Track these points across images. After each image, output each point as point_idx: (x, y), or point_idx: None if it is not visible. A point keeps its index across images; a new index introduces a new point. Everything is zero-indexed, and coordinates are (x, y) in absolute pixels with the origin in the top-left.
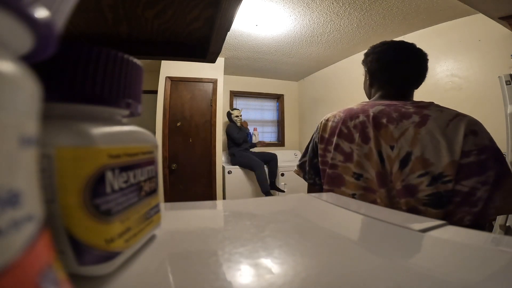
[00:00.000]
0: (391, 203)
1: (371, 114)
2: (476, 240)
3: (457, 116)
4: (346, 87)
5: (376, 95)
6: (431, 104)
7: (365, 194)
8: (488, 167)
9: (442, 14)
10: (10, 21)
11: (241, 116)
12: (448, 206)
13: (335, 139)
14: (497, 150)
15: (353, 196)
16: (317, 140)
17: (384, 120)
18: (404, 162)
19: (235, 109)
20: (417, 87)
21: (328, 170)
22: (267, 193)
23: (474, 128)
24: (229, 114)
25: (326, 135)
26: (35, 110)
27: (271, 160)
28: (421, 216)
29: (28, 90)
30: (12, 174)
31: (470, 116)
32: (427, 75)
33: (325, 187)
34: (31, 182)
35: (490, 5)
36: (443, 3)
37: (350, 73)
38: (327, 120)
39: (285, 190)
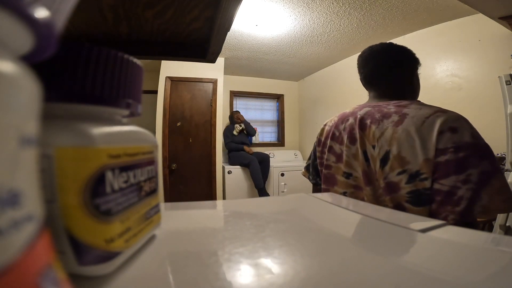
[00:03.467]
0: (378, 201)
1: (358, 116)
2: (476, 240)
3: (435, 113)
4: (346, 87)
5: (369, 97)
6: (412, 102)
7: (354, 192)
8: (468, 165)
9: (442, 14)
10: (10, 21)
11: (239, 125)
12: (428, 205)
13: (328, 141)
14: (482, 147)
15: (344, 194)
16: (315, 144)
17: (368, 121)
18: (384, 160)
19: (238, 123)
20: (406, 82)
21: (324, 170)
22: (261, 190)
23: (453, 125)
24: (231, 118)
25: (323, 139)
26: (35, 110)
27: (262, 161)
28: (421, 216)
29: (28, 90)
30: (12, 174)
31: (452, 112)
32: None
33: (322, 186)
34: (31, 182)
35: (490, 5)
36: (443, 3)
37: (350, 73)
38: (325, 125)
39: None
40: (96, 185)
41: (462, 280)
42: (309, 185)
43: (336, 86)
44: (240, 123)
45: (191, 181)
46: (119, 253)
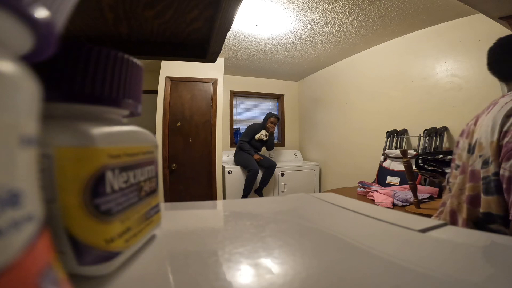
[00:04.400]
0: (460, 190)
1: (481, 111)
2: (476, 240)
3: None
4: (346, 87)
5: None
6: None
7: (452, 182)
8: None
9: (442, 14)
10: (10, 21)
11: (264, 134)
12: (498, 194)
13: (459, 137)
14: None
15: (448, 183)
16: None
17: (483, 115)
18: (473, 149)
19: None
20: None
21: (451, 163)
22: (245, 196)
23: None
24: (266, 119)
25: (459, 135)
26: (35, 110)
27: (269, 167)
28: (421, 216)
29: (28, 90)
30: (12, 174)
31: None
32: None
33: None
34: (31, 182)
35: (490, 5)
36: (443, 3)
37: (350, 73)
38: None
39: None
40: (96, 185)
41: (462, 280)
42: (308, 185)
43: (336, 86)
44: (268, 133)
45: (191, 181)
46: (119, 253)
